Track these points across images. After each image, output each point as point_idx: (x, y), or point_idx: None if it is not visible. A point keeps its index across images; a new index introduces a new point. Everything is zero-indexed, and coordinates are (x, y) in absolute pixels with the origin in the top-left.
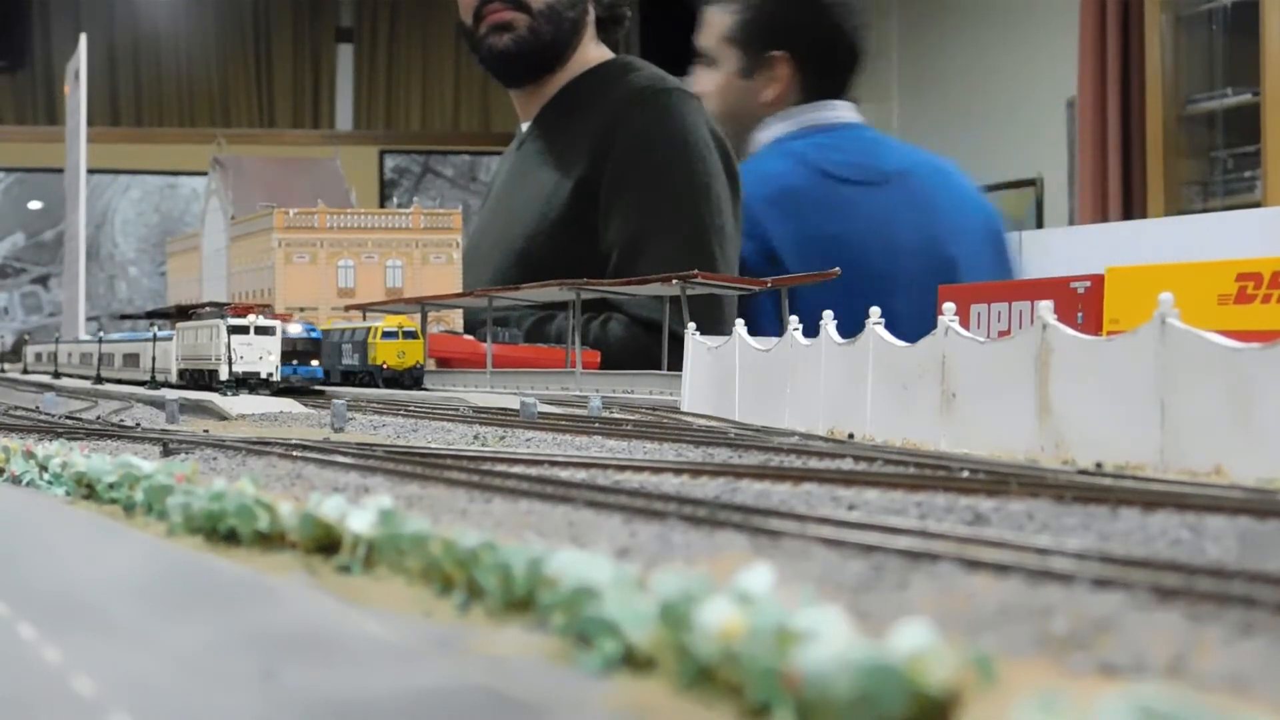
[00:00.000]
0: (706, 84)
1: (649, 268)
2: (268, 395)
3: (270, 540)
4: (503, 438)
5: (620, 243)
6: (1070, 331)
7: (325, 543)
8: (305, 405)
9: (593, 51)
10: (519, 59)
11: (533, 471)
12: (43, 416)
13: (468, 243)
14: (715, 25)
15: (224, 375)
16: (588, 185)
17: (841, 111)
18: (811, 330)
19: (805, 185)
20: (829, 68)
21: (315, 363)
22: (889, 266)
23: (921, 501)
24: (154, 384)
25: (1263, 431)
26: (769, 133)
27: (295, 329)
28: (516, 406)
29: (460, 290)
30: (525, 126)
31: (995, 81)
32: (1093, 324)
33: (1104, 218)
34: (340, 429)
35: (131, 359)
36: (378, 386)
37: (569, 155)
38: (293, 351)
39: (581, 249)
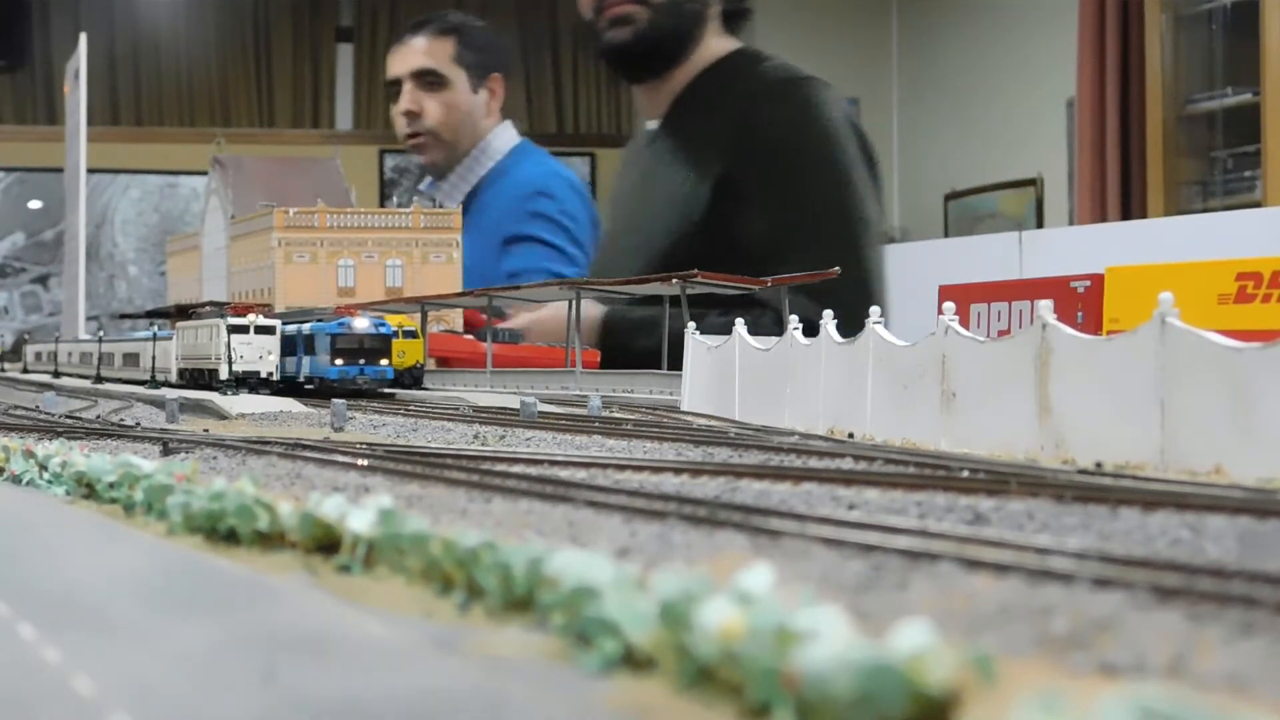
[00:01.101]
0: (435, 103)
1: (796, 264)
2: (268, 395)
3: (270, 540)
4: (503, 437)
5: (765, 240)
6: (1070, 331)
7: (325, 542)
8: (305, 405)
9: (718, 44)
10: (639, 53)
11: (533, 471)
12: (43, 416)
13: (601, 247)
14: (438, 51)
15: (224, 375)
16: (728, 183)
17: None
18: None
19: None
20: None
21: (385, 362)
22: None
23: (921, 501)
24: (154, 383)
25: (1263, 431)
26: (502, 139)
27: (361, 324)
28: (516, 406)
29: (460, 290)
30: (652, 124)
31: (995, 81)
32: (1093, 323)
33: (1104, 217)
34: (340, 428)
35: (131, 358)
36: None
37: (705, 152)
38: (359, 349)
39: (723, 249)
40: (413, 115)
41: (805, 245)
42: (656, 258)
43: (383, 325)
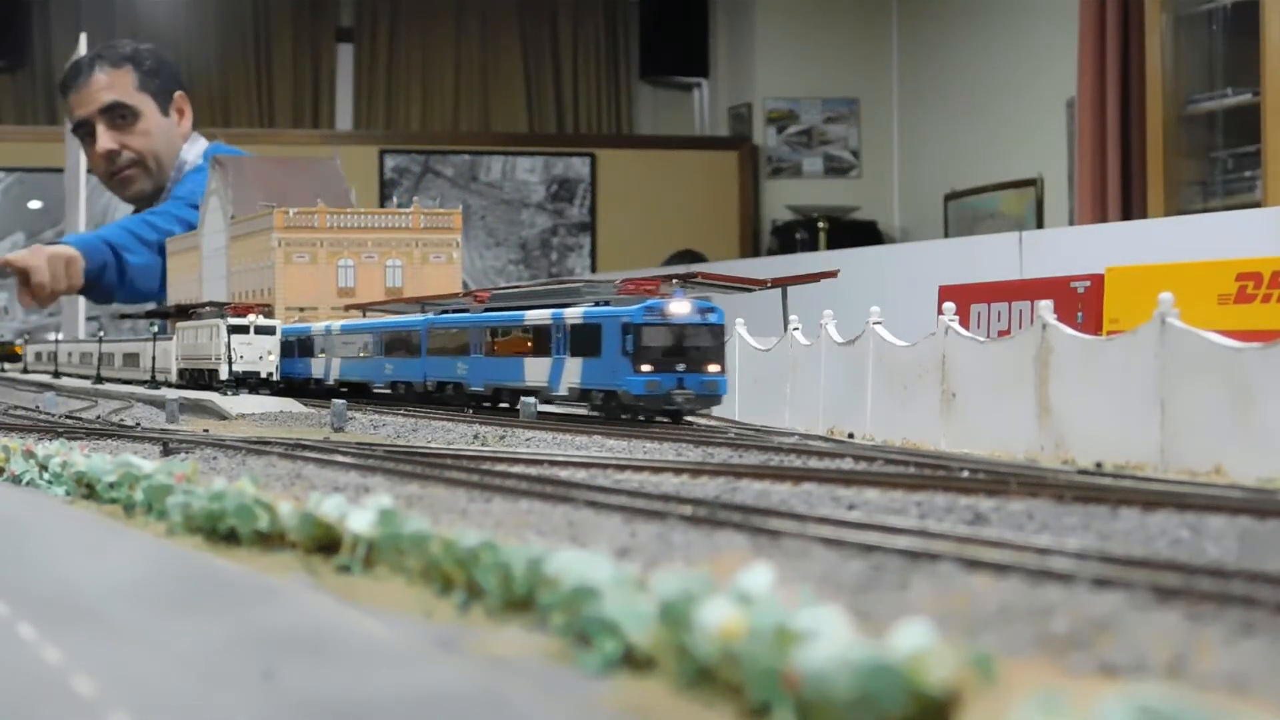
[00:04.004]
0: (133, 136)
1: None
2: (268, 395)
3: (270, 540)
4: (503, 437)
5: None
6: (1070, 331)
7: (325, 542)
8: (305, 405)
9: None
10: None
11: (533, 471)
12: (43, 416)
13: None
14: (120, 83)
15: (224, 375)
16: None
17: None
18: None
19: None
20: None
21: (716, 368)
22: None
23: (921, 501)
24: (154, 383)
25: (1263, 431)
26: (194, 151)
27: (680, 307)
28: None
29: (460, 290)
30: None
31: (995, 81)
32: (1093, 324)
33: (1104, 218)
34: (340, 428)
35: (131, 358)
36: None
37: None
38: (677, 348)
39: None
40: (113, 153)
41: None
42: None
43: (712, 311)
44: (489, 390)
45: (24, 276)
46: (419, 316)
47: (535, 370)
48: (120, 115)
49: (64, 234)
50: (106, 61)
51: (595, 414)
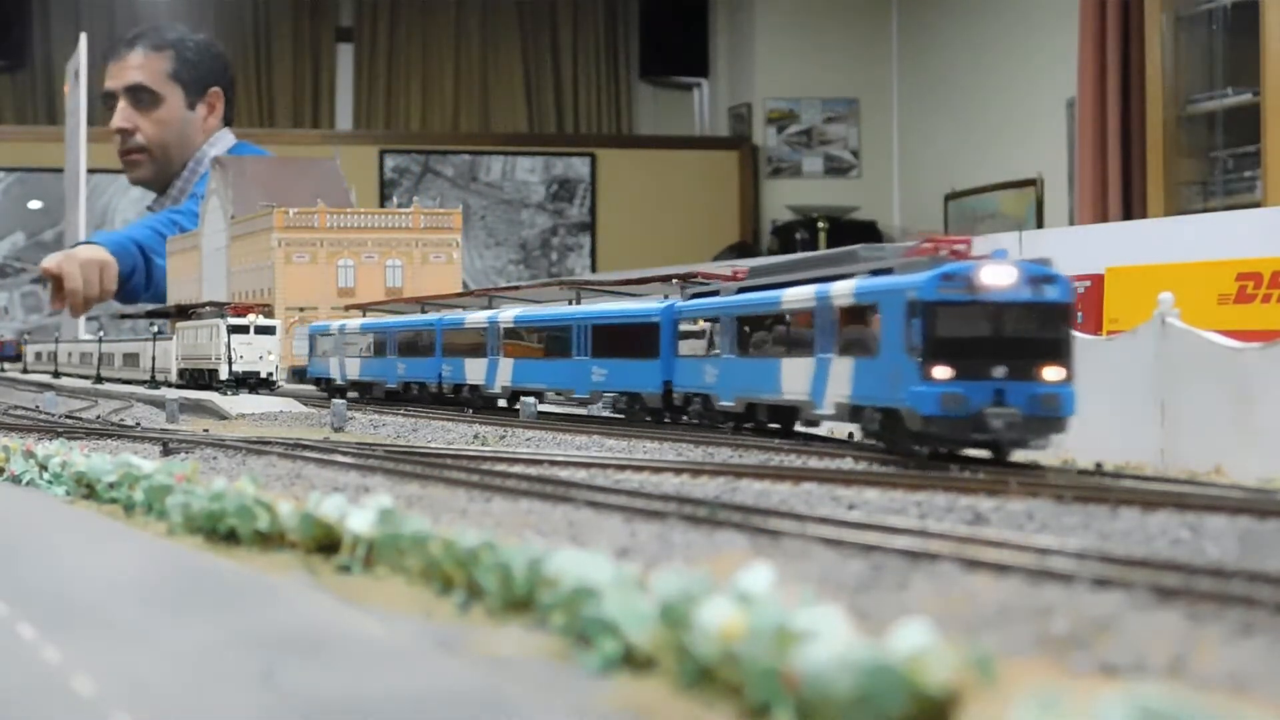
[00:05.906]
0: (147, 121)
1: None
2: (268, 395)
3: (270, 540)
4: (503, 437)
5: None
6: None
7: (325, 542)
8: (305, 405)
9: None
10: None
11: (533, 471)
12: (43, 416)
13: None
14: (152, 66)
15: (224, 375)
16: None
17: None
18: None
19: None
20: (231, 100)
21: (1059, 374)
22: None
23: (921, 501)
24: (154, 383)
25: (1263, 431)
26: (218, 149)
27: (999, 276)
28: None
29: (460, 290)
30: None
31: (995, 81)
32: (1093, 324)
33: (1104, 218)
34: (340, 428)
35: (131, 358)
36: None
37: None
38: (992, 341)
39: None
40: (126, 133)
41: None
42: None
43: (1052, 281)
44: (741, 406)
45: (58, 283)
46: (655, 303)
47: (794, 377)
48: (141, 98)
49: (64, 234)
50: (148, 42)
51: (871, 443)
